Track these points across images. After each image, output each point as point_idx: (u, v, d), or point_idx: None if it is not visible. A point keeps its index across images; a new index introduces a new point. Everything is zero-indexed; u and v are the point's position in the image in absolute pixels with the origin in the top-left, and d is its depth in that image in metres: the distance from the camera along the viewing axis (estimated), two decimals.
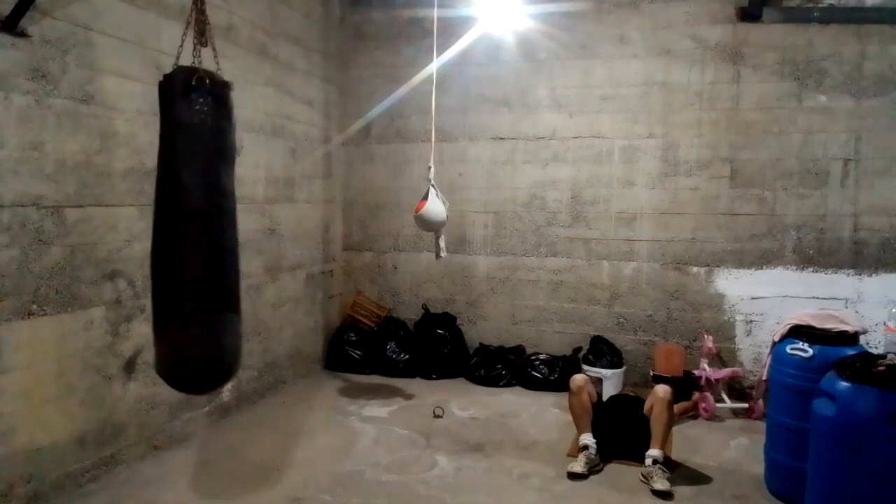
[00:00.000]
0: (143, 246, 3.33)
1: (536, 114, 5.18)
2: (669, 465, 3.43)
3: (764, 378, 3.66)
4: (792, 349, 3.17)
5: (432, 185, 4.23)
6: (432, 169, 4.27)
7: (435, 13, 4.27)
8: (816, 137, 4.53)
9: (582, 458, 3.43)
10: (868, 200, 4.44)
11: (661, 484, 3.20)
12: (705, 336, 4.59)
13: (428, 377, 5.18)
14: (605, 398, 3.89)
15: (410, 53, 5.34)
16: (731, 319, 4.75)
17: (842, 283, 4.50)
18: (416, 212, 4.26)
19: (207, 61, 2.52)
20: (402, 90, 5.37)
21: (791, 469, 3.04)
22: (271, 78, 4.57)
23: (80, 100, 3.04)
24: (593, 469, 3.44)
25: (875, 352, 3.19)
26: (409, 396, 4.72)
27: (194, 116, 2.31)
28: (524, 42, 5.13)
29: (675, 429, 3.75)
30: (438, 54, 4.50)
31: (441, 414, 4.30)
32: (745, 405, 4.40)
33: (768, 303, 4.65)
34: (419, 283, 5.58)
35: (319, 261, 5.35)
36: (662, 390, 3.48)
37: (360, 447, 3.77)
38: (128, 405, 3.39)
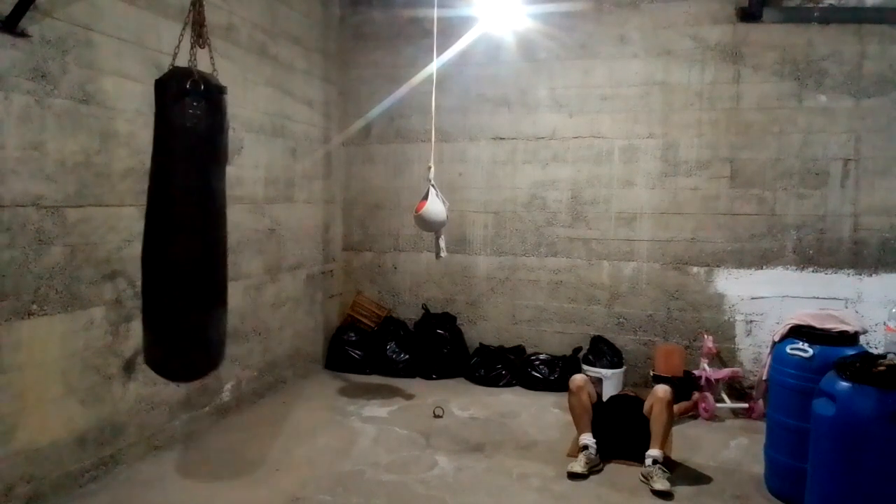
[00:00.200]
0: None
1: (536, 114, 5.18)
2: (669, 465, 3.43)
3: (764, 378, 3.67)
4: (792, 349, 3.17)
5: (432, 185, 4.23)
6: (432, 169, 4.27)
7: (435, 13, 4.27)
8: (816, 137, 4.53)
9: (582, 458, 3.43)
10: (868, 200, 4.44)
11: (661, 484, 3.20)
12: (705, 336, 4.59)
13: (428, 377, 5.18)
14: (605, 398, 3.89)
15: (410, 53, 5.34)
16: (731, 319, 4.75)
17: (842, 283, 4.50)
18: (416, 212, 4.25)
19: (207, 62, 2.53)
20: (402, 90, 5.36)
21: (791, 469, 3.04)
22: (271, 78, 4.57)
23: (80, 100, 3.04)
24: (593, 469, 3.44)
25: (875, 352, 3.19)
26: (409, 396, 4.72)
27: (187, 120, 2.34)
28: (524, 42, 5.13)
29: (675, 429, 3.75)
30: (438, 54, 4.49)
31: (441, 414, 4.30)
32: (745, 405, 4.40)
33: (768, 303, 4.65)
34: (419, 283, 5.58)
35: (319, 261, 5.35)
36: (662, 390, 3.48)
37: (360, 447, 3.77)
38: (128, 405, 3.39)
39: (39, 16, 2.82)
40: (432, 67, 4.46)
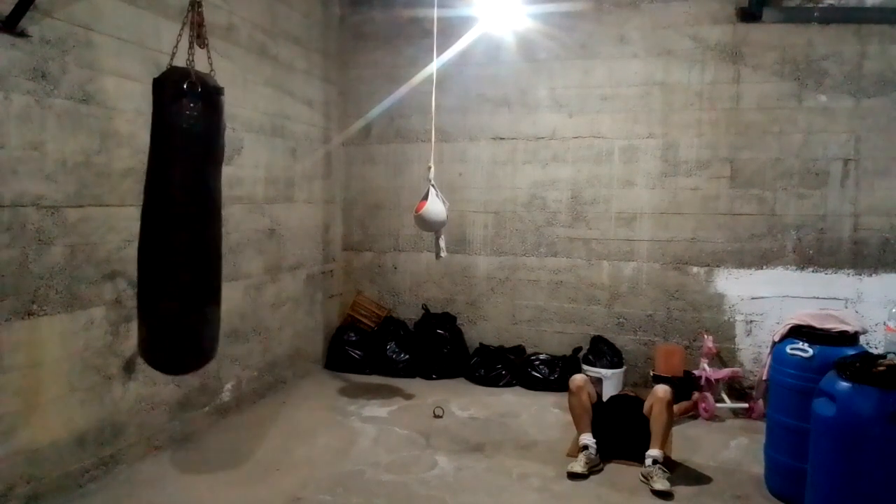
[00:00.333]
0: None
1: (536, 114, 5.18)
2: (669, 465, 3.43)
3: (764, 378, 3.67)
4: (792, 349, 3.17)
5: (432, 185, 4.23)
6: (432, 169, 4.27)
7: (435, 13, 4.27)
8: (816, 137, 4.53)
9: (582, 457, 3.43)
10: (868, 200, 4.44)
11: (661, 484, 3.20)
12: (705, 336, 4.59)
13: (428, 377, 5.18)
14: (605, 398, 3.89)
15: (410, 53, 5.34)
16: (731, 319, 4.75)
17: (842, 283, 4.50)
18: (416, 212, 4.25)
19: (206, 62, 2.53)
20: (402, 90, 5.37)
21: (791, 469, 3.04)
22: (271, 78, 4.57)
23: (80, 100, 3.04)
24: (593, 469, 3.44)
25: (875, 352, 3.19)
26: (409, 396, 4.72)
27: (184, 121, 2.35)
28: (524, 42, 5.13)
29: (675, 429, 3.75)
30: (438, 54, 4.50)
31: (441, 414, 4.30)
32: (745, 405, 4.40)
33: (768, 303, 4.65)
34: (419, 283, 5.58)
35: (319, 261, 5.35)
36: (662, 390, 3.48)
37: (360, 447, 3.77)
38: (128, 405, 3.39)
39: (39, 16, 2.82)
40: (432, 67, 4.46)
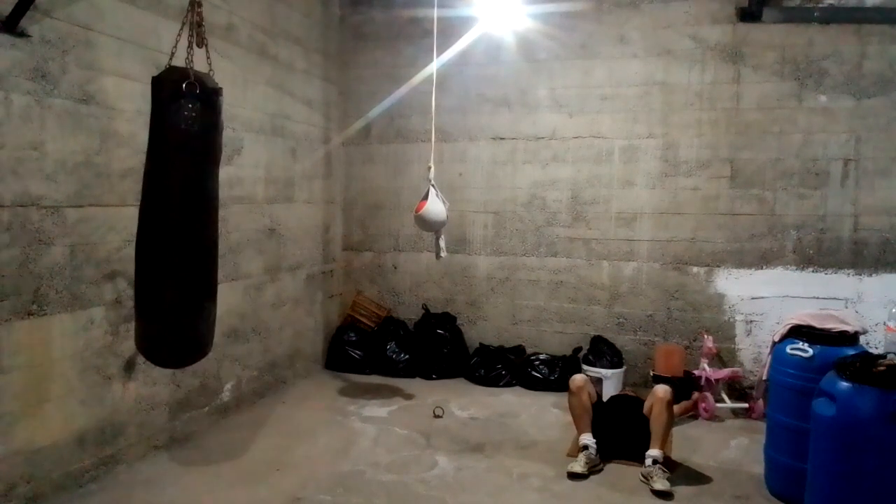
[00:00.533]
0: None
1: (536, 114, 5.18)
2: (669, 465, 3.43)
3: (764, 378, 3.67)
4: (792, 349, 3.17)
5: (432, 185, 4.23)
6: (432, 169, 4.27)
7: (435, 13, 4.27)
8: (816, 137, 4.53)
9: (582, 457, 3.43)
10: (868, 200, 4.44)
11: (661, 484, 3.20)
12: (705, 336, 4.59)
13: (428, 377, 5.18)
14: (605, 398, 3.90)
15: (410, 53, 5.34)
16: (731, 319, 4.75)
17: (842, 283, 4.50)
18: (416, 212, 4.26)
19: (205, 62, 2.53)
20: (402, 90, 5.37)
21: (791, 469, 3.04)
22: (271, 78, 4.57)
23: (80, 100, 3.04)
24: (593, 469, 3.44)
25: (875, 352, 3.19)
26: (409, 396, 4.72)
27: (182, 121, 2.35)
28: (524, 42, 5.13)
29: (675, 429, 3.75)
30: (438, 54, 4.50)
31: (441, 414, 4.30)
32: (745, 405, 4.40)
33: (768, 303, 4.65)
34: (419, 283, 5.58)
35: (319, 261, 5.35)
36: (662, 390, 3.48)
37: (360, 447, 3.77)
38: (128, 405, 3.39)
39: (39, 16, 2.82)
40: (432, 67, 4.46)
